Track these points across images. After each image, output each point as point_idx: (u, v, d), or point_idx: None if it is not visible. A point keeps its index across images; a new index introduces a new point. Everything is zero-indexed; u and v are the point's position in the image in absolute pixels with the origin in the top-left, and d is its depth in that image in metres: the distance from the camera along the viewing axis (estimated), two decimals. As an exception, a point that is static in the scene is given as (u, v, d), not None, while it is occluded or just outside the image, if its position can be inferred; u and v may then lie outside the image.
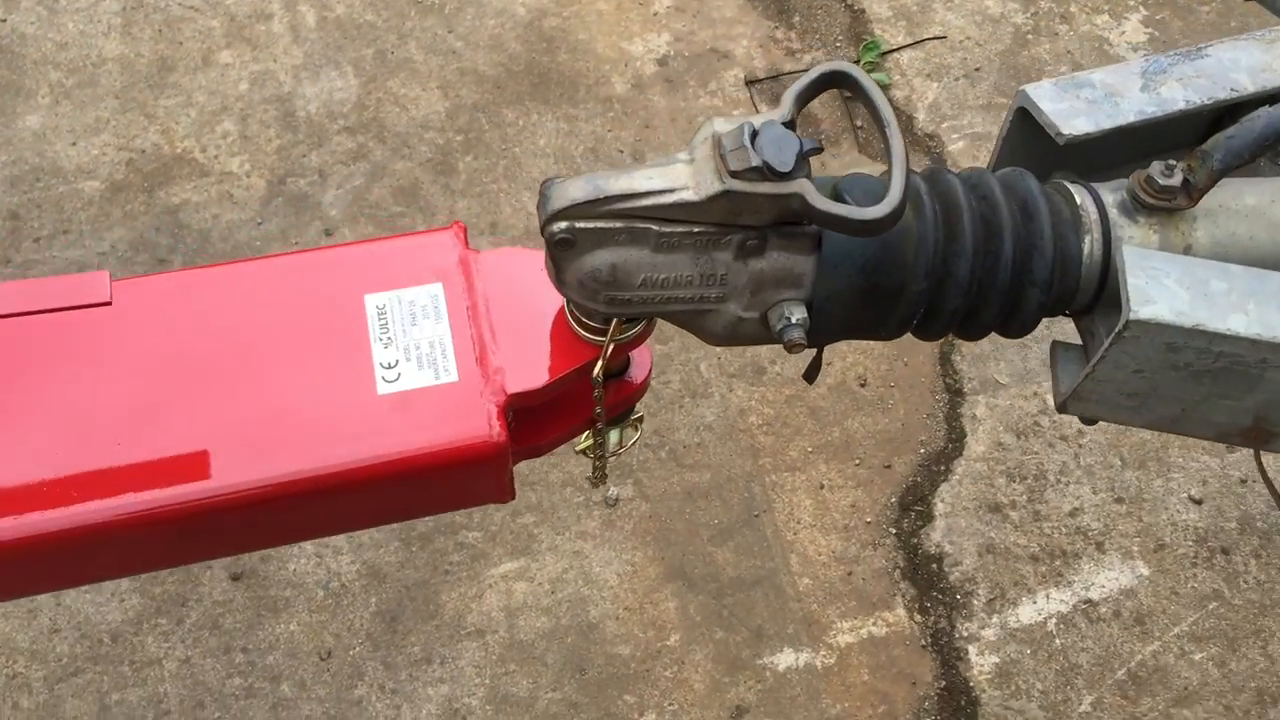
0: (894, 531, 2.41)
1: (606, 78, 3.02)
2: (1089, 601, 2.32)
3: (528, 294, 1.11)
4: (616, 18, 3.13)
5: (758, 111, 2.74)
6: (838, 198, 1.02)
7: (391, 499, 1.12)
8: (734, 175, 0.94)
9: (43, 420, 1.04)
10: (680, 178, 0.96)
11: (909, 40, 3.09)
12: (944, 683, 2.25)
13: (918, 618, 2.32)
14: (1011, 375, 2.58)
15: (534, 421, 1.14)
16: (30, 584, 1.11)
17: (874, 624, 2.31)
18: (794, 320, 1.02)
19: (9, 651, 2.23)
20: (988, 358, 2.60)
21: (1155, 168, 1.10)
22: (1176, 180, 1.09)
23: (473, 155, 2.89)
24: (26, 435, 1.02)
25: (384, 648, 2.26)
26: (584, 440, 1.21)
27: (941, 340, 2.63)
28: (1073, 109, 1.16)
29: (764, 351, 2.61)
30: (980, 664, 2.27)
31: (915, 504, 2.44)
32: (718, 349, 2.60)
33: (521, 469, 1.22)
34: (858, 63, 3.01)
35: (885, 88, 3.01)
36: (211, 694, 2.20)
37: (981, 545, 2.39)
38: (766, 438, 2.51)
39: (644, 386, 1.18)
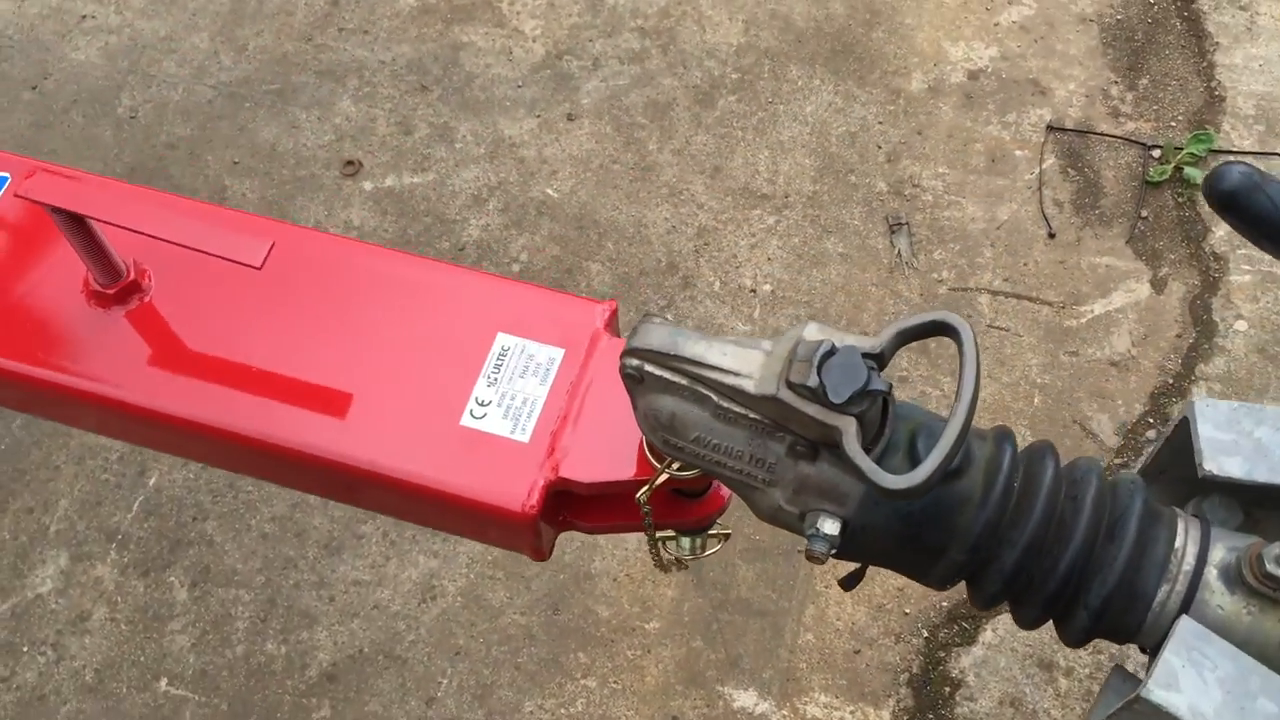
0: (926, 635, 2.18)
1: (908, 70, 2.83)
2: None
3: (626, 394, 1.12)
4: (954, 15, 2.91)
5: (1041, 163, 2.49)
6: (912, 438, 0.99)
7: (432, 516, 1.21)
8: (789, 386, 0.94)
9: (197, 329, 1.20)
10: (750, 365, 0.97)
11: (1256, 148, 2.66)
12: (887, 804, 2.04)
13: (900, 731, 2.10)
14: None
15: (587, 505, 1.17)
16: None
17: (851, 712, 2.12)
18: (823, 533, 0.99)
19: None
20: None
21: (1272, 551, 0.96)
22: None
23: (737, 97, 2.81)
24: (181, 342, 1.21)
25: (405, 502, 2.33)
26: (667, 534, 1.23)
27: (1089, 470, 2.31)
28: (1234, 444, 1.03)
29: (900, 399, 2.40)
30: (936, 809, 2.03)
31: (965, 619, 2.19)
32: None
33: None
34: (1179, 150, 2.64)
35: (1198, 187, 2.62)
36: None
37: (1008, 695, 2.12)
38: (856, 483, 2.32)
39: (720, 508, 1.18)
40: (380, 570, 2.28)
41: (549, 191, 2.69)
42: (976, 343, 0.95)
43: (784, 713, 2.12)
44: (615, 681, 2.16)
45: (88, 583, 2.30)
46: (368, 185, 2.72)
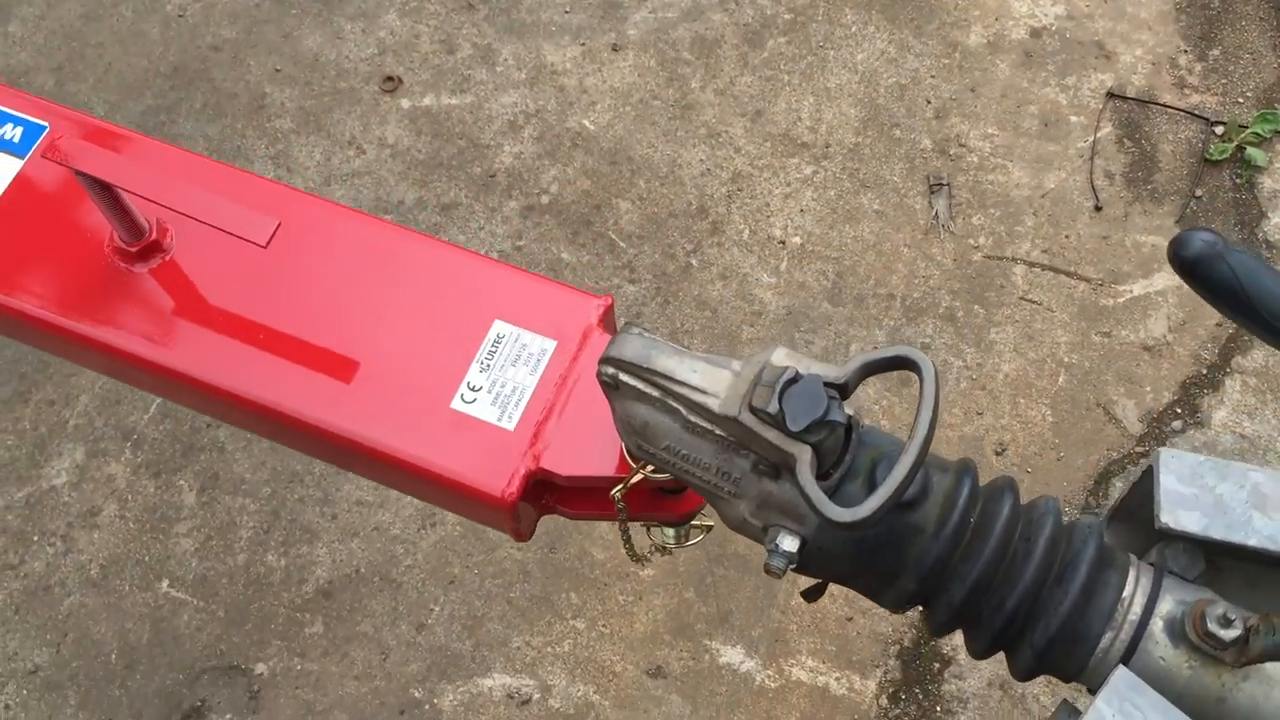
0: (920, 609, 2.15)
1: (967, 23, 2.72)
2: None
3: None
4: (1023, -33, 2.79)
5: (1097, 131, 2.41)
6: (873, 466, 1.01)
7: (418, 491, 1.26)
8: (751, 410, 0.96)
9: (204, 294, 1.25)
10: (717, 384, 0.99)
11: (1326, 133, 2.54)
12: (861, 774, 2.04)
13: (884, 703, 2.09)
14: (1165, 535, 2.18)
15: (568, 494, 1.21)
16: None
17: (837, 679, 2.11)
18: (781, 549, 1.01)
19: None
20: (1152, 503, 2.21)
21: (1215, 610, 0.97)
22: (1229, 635, 0.96)
23: (787, 38, 2.73)
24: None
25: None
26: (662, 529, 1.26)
27: (1109, 460, 2.26)
28: (1195, 498, 1.04)
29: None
30: (910, 783, 2.03)
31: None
32: (879, 339, 2.38)
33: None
34: (1244, 128, 2.53)
35: (1259, 169, 2.51)
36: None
37: (997, 678, 2.10)
38: (866, 448, 2.29)
39: (697, 508, 1.22)
40: (383, 492, 2.29)
41: (586, 123, 2.65)
42: (937, 380, 0.95)
43: (769, 672, 2.12)
44: (604, 625, 2.17)
45: (101, 479, 2.34)
46: (405, 103, 2.69)
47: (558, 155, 2.61)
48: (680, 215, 2.53)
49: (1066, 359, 2.35)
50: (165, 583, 2.25)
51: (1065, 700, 1.09)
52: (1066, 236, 2.47)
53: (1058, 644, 1.00)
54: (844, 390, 0.96)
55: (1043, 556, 1.00)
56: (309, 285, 1.24)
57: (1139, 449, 2.26)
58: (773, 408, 0.94)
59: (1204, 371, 2.33)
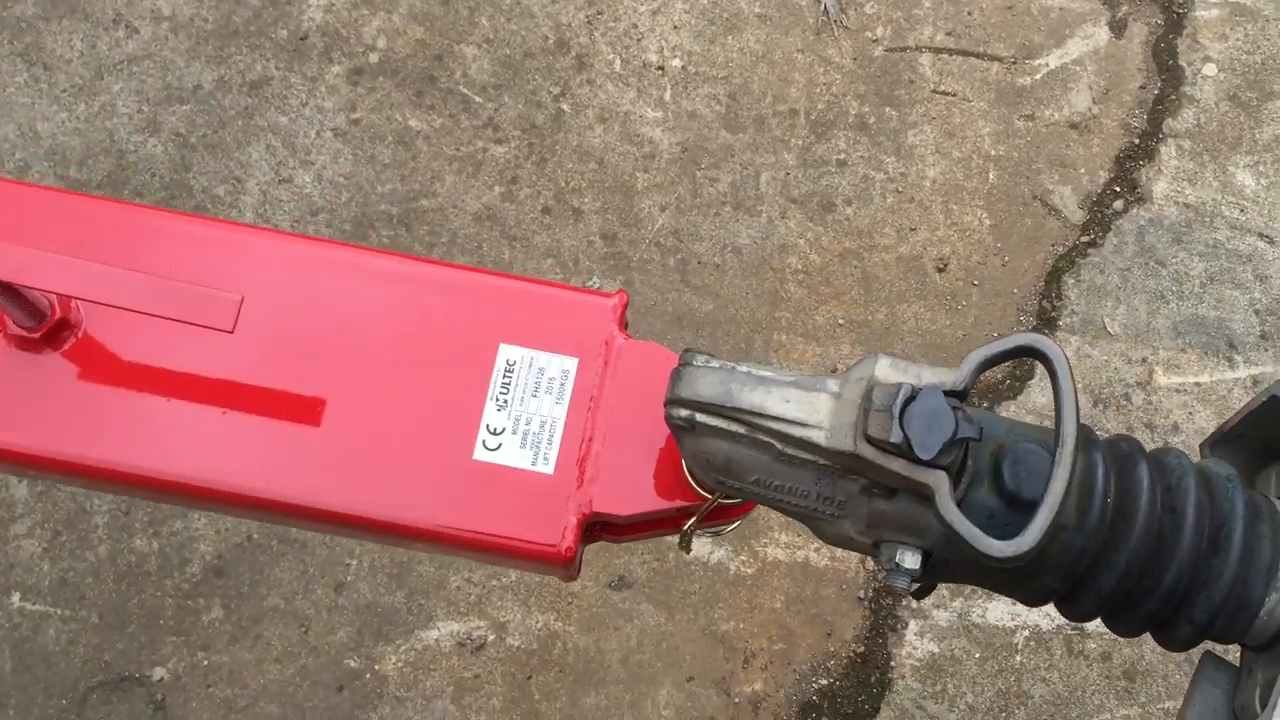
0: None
1: None
2: (1080, 631, 1.87)
3: (656, 403, 0.99)
4: None
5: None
6: (996, 465, 0.91)
7: (468, 555, 1.12)
8: (869, 440, 0.87)
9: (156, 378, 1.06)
10: (817, 413, 0.90)
11: None
12: (862, 649, 1.87)
13: (870, 565, 1.91)
14: (1126, 326, 2.02)
15: (621, 527, 1.08)
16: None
17: (816, 551, 1.91)
18: (904, 566, 0.93)
19: None
20: (1107, 294, 2.04)
21: None
22: None
23: None
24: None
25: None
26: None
27: (1056, 256, 2.07)
28: None
29: (842, 187, 2.10)
30: (915, 646, 1.87)
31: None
32: (790, 163, 2.11)
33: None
34: None
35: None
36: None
37: (984, 513, 1.93)
38: (798, 289, 2.04)
39: (754, 506, 1.10)
40: (258, 441, 1.94)
41: (403, -42, 2.22)
42: (1071, 369, 0.87)
43: (743, 558, 1.90)
44: (549, 543, 1.90)
45: (-99, 488, 1.91)
46: (174, -37, 2.20)
47: (377, 1, 2.19)
48: (538, 54, 2.16)
49: (993, 151, 2.13)
50: (16, 596, 1.87)
51: (1209, 654, 1.04)
52: (969, 13, 2.21)
53: (1220, 616, 0.94)
54: (962, 395, 0.88)
55: (1194, 527, 0.93)
56: (268, 341, 1.04)
57: (1084, 238, 2.08)
58: (895, 436, 0.84)
59: (1136, 141, 2.14)
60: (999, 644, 1.86)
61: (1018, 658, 1.86)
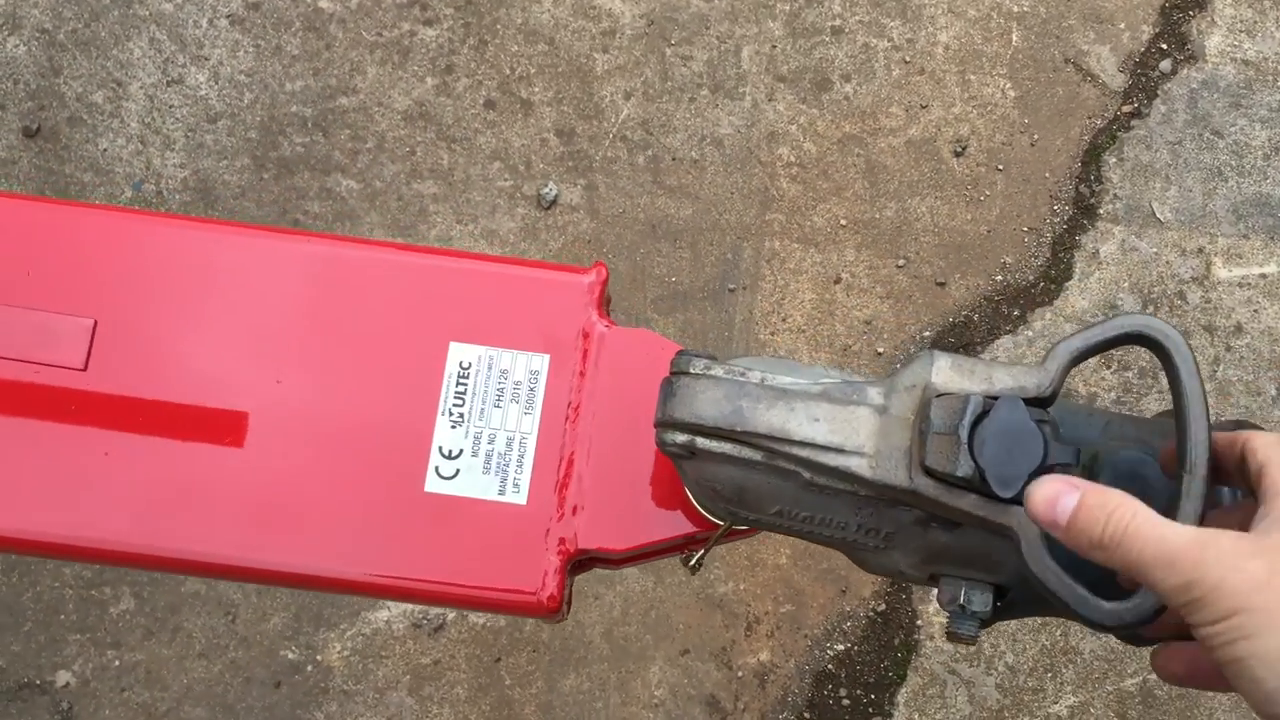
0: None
1: None
2: (1132, 570, 1.61)
3: (646, 404, 0.82)
4: None
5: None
6: (1089, 476, 0.71)
7: (437, 604, 1.03)
8: (927, 472, 0.68)
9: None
10: (857, 434, 0.70)
11: None
12: (884, 606, 1.61)
13: (888, 506, 1.64)
14: (1179, 212, 1.72)
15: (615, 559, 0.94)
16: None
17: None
18: (972, 608, 0.75)
19: None
20: (1155, 174, 1.74)
21: None
22: None
23: None
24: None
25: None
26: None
27: (1094, 131, 1.76)
28: None
29: (839, 60, 1.77)
30: (944, 599, 1.61)
31: (954, 350, 1.69)
32: (776, 33, 1.77)
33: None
34: None
35: None
36: None
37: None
38: (792, 185, 1.73)
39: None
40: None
41: None
42: (1196, 361, 0.68)
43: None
44: (513, 501, 1.63)
45: None
46: None
47: None
48: (468, -88, 1.80)
49: (1016, 8, 1.79)
50: (-111, 595, 1.59)
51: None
52: None
53: None
54: (1049, 401, 0.69)
55: None
56: (141, 362, 0.86)
57: (1126, 108, 1.76)
58: (964, 469, 0.66)
59: (1183, -11, 1.81)
60: (1041, 592, 1.61)
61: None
